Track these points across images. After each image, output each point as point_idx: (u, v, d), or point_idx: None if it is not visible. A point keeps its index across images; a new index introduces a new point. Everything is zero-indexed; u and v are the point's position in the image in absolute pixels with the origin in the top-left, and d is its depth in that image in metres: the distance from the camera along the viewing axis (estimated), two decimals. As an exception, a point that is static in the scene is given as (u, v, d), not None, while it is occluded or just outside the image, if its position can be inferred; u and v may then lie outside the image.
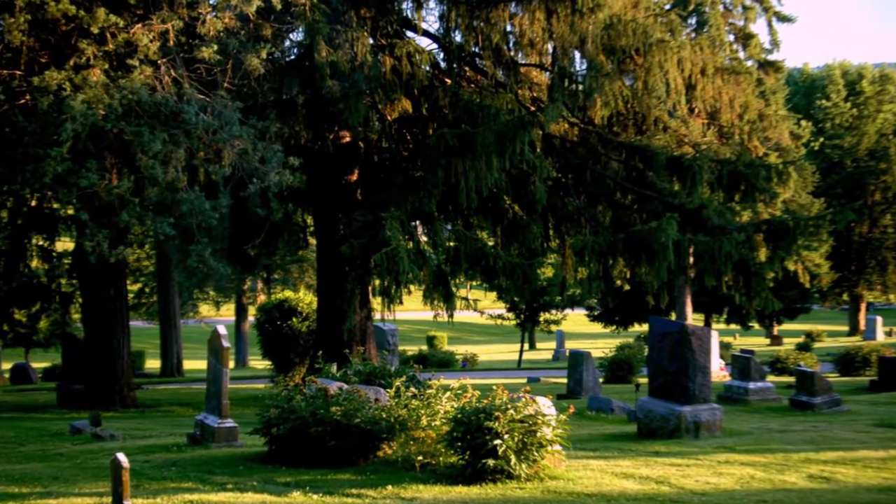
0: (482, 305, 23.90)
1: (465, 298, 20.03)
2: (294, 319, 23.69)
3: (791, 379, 20.66)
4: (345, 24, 16.57)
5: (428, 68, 18.24)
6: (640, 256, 17.74)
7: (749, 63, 23.53)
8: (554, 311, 43.08)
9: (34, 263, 21.94)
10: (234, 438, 11.29)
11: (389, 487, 8.26)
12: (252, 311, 40.33)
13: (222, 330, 11.46)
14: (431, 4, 18.87)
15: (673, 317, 31.04)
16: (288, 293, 26.02)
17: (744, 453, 10.08)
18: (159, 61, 14.07)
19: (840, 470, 9.13)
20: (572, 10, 16.41)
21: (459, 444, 8.56)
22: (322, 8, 16.05)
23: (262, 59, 14.69)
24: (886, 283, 55.49)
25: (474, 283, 24.30)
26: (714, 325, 42.08)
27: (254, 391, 23.18)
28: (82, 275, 19.69)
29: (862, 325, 52.97)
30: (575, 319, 55.23)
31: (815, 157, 50.36)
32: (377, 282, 17.28)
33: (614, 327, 45.43)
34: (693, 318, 33.40)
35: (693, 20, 24.11)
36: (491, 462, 8.27)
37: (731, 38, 23.63)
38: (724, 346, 35.01)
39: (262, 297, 42.41)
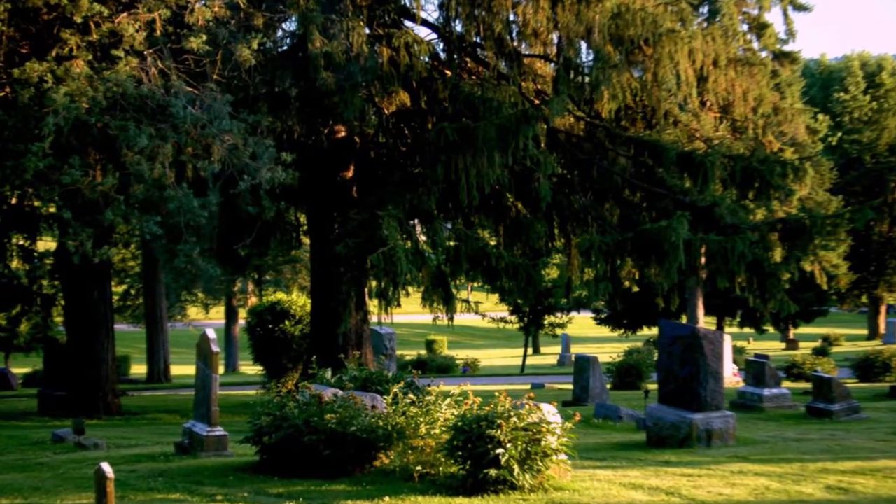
0: (484, 308, 24.11)
1: (466, 300, 20.03)
2: (287, 322, 23.59)
3: (808, 385, 20.58)
4: (340, 12, 16.41)
5: (427, 59, 18.13)
6: (649, 256, 17.63)
7: (763, 54, 23.50)
8: (559, 314, 43.03)
9: (14, 264, 21.94)
10: (223, 447, 11.15)
11: (387, 498, 8.21)
12: (243, 314, 40.40)
13: (211, 334, 11.40)
14: (430, -8, 18.68)
15: (684, 320, 30.96)
16: (280, 295, 26.04)
17: (758, 463, 9.98)
18: (145, 52, 13.86)
19: (859, 480, 9.03)
20: (578, -2, 16.25)
21: (460, 453, 8.48)
22: (317, -4, 15.80)
23: (254, 49, 14.53)
24: (907, 284, 54.67)
25: (475, 285, 24.20)
26: (727, 329, 41.85)
27: (244, 398, 23.14)
28: (65, 276, 19.62)
29: (882, 328, 52.78)
30: (581, 323, 55.30)
31: (833, 153, 49.64)
32: (374, 283, 17.20)
33: (622, 331, 45.25)
34: (705, 322, 33.34)
35: (705, 9, 24.23)
36: (493, 472, 8.16)
37: (745, 27, 23.64)
38: (738, 351, 34.93)
39: (253, 300, 42.78)
